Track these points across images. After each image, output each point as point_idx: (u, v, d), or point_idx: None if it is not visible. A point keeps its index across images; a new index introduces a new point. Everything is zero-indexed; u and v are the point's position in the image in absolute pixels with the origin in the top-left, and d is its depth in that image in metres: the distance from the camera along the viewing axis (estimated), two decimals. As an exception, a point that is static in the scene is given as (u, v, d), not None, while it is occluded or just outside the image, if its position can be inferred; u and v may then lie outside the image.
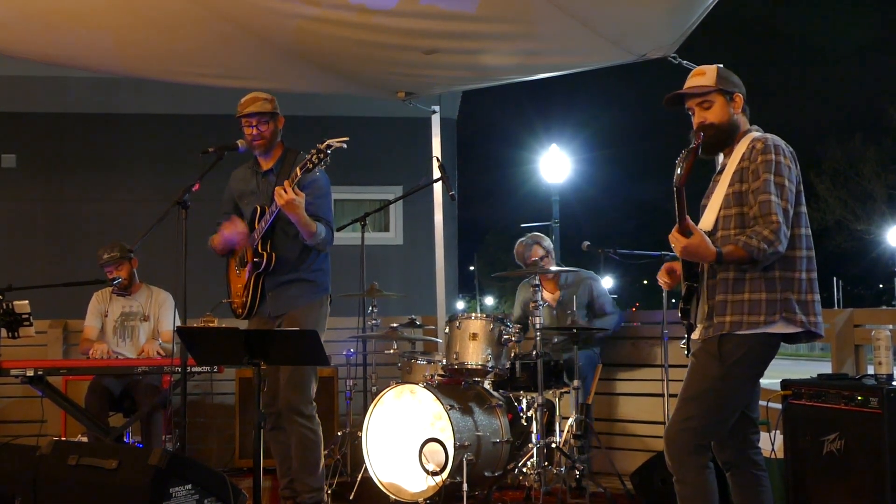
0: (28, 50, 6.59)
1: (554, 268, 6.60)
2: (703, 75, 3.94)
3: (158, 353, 6.38)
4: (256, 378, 4.29)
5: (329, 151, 4.84)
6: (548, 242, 6.93)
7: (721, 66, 3.97)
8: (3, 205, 11.21)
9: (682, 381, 3.91)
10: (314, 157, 4.84)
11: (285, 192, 4.88)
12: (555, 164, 23.80)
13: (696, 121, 3.92)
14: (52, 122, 11.26)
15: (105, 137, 11.32)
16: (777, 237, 3.64)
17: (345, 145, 4.83)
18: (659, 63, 6.00)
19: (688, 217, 3.66)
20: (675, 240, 3.67)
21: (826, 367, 5.84)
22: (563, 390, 6.09)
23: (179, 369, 5.12)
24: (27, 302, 6.00)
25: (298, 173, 4.88)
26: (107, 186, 11.29)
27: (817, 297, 3.81)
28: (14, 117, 11.16)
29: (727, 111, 3.91)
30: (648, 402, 6.89)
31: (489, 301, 51.08)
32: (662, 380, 6.27)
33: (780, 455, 4.77)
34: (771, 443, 4.75)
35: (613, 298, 7.14)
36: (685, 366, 3.96)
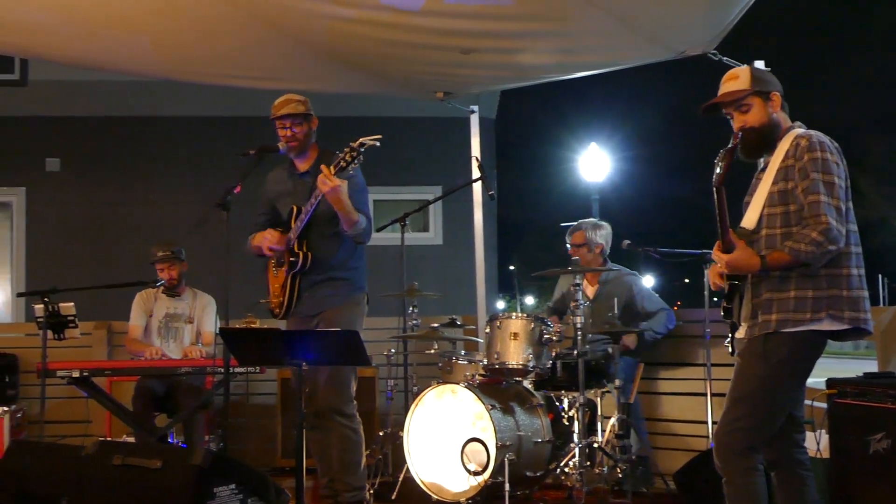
0: (70, 55, 6.68)
1: (595, 264, 6.57)
2: (737, 79, 3.89)
3: (201, 355, 6.43)
4: (297, 378, 4.32)
5: (362, 149, 4.86)
6: (594, 234, 6.75)
7: (755, 65, 3.94)
8: (48, 208, 11.37)
9: (725, 380, 3.89)
10: (347, 154, 4.86)
11: (329, 178, 4.89)
12: (594, 163, 23.67)
13: (735, 125, 3.88)
14: (94, 126, 11.40)
15: (145, 140, 11.44)
16: (827, 237, 3.59)
17: (378, 143, 4.84)
18: (699, 60, 5.95)
19: (730, 231, 3.64)
20: (718, 257, 3.68)
21: (871, 366, 5.76)
22: (604, 389, 6.05)
23: (222, 370, 5.16)
24: (72, 304, 6.08)
25: (332, 171, 4.90)
26: (147, 188, 11.41)
27: (867, 293, 3.77)
28: (57, 121, 11.31)
29: (766, 111, 3.86)
30: (691, 402, 6.82)
31: (529, 300, 50.92)
32: (705, 379, 6.22)
33: (826, 454, 4.72)
34: (816, 442, 4.70)
35: (657, 297, 7.05)
36: (729, 365, 3.93)
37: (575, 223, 6.85)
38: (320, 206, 5.08)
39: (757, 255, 3.66)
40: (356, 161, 4.87)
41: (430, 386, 5.89)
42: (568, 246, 6.66)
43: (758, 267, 3.63)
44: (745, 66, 3.92)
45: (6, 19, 5.84)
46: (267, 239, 5.30)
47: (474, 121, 7.63)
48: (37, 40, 6.28)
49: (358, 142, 4.86)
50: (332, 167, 4.91)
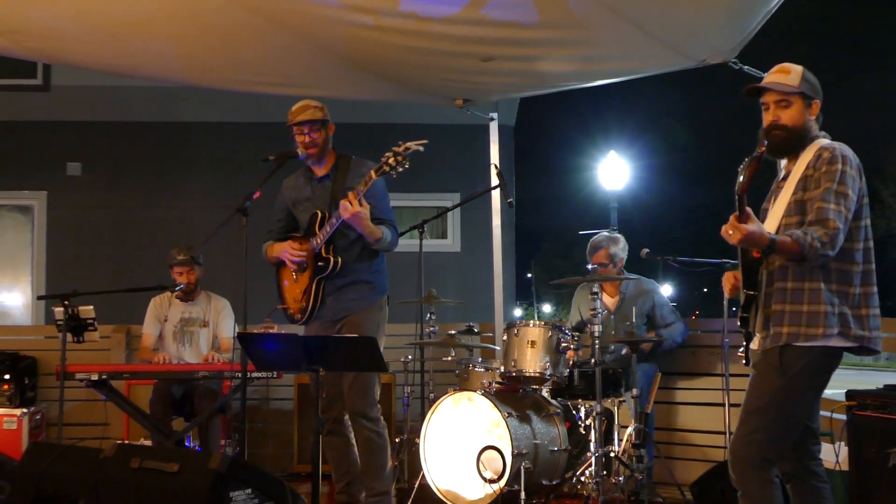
0: (93, 60, 6.72)
1: (613, 274, 6.55)
2: (788, 74, 3.84)
3: (219, 362, 6.44)
4: (315, 384, 4.32)
5: (407, 154, 4.83)
6: (616, 248, 6.74)
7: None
8: (69, 212, 11.41)
9: (743, 390, 3.86)
10: (391, 159, 4.83)
11: (351, 204, 4.91)
12: (613, 171, 23.65)
13: (767, 118, 3.84)
14: (115, 131, 11.44)
15: (166, 145, 11.47)
16: (832, 241, 3.56)
17: (422, 148, 4.80)
18: (719, 68, 5.93)
19: (747, 208, 3.58)
20: (734, 227, 3.55)
21: (892, 378, 5.71)
22: (621, 399, 6.03)
23: (239, 374, 5.17)
24: (92, 307, 6.10)
25: (374, 176, 4.90)
26: (168, 193, 11.44)
27: (874, 311, 3.72)
28: (79, 126, 11.36)
29: (803, 116, 3.82)
30: (708, 412, 6.80)
31: (547, 308, 50.85)
32: (723, 389, 6.18)
33: (845, 467, 4.68)
34: (835, 454, 4.67)
35: (674, 307, 7.05)
36: (746, 375, 3.91)
37: (591, 244, 6.80)
38: None
39: (768, 233, 3.60)
40: (400, 166, 4.84)
41: (446, 393, 5.88)
42: (590, 267, 6.63)
43: (766, 243, 3.56)
44: (800, 66, 3.87)
45: (30, 25, 5.89)
46: (288, 252, 5.30)
47: (493, 128, 7.63)
48: (59, 46, 6.33)
49: (403, 146, 4.82)
50: (372, 172, 4.91)
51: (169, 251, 6.74)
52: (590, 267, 6.45)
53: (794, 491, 3.85)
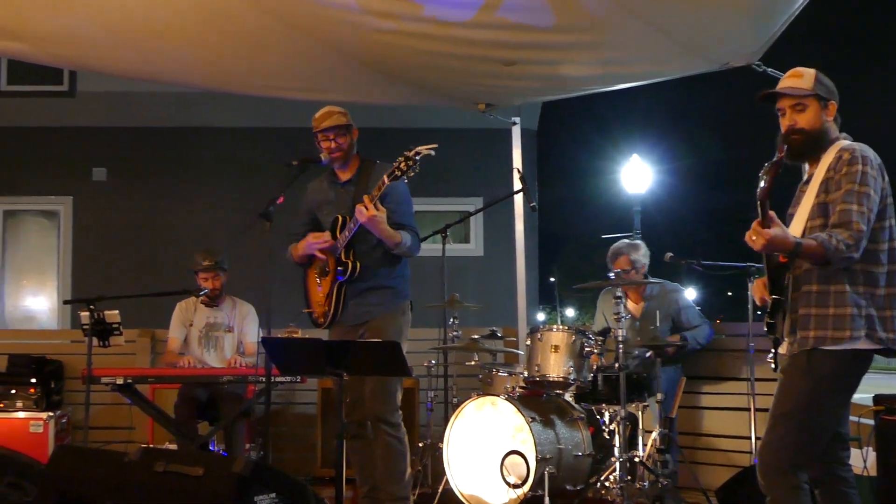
0: (117, 66, 6.77)
1: (636, 280, 6.52)
2: (801, 77, 3.82)
3: (243, 365, 6.45)
4: (338, 388, 4.33)
5: (418, 158, 4.83)
6: (637, 255, 6.71)
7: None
8: (95, 216, 11.51)
9: (769, 395, 3.83)
10: (402, 164, 4.84)
11: (366, 208, 4.91)
12: (636, 175, 23.56)
13: (785, 123, 3.82)
14: (140, 136, 11.54)
15: (190, 150, 11.56)
16: (857, 243, 3.53)
17: (433, 152, 4.81)
18: (742, 71, 5.90)
19: (770, 212, 3.55)
20: (757, 232, 3.51)
21: (920, 382, 5.66)
22: (645, 403, 6.01)
23: (263, 379, 5.18)
24: (117, 312, 6.14)
25: (386, 181, 4.89)
26: (192, 198, 11.52)
27: None
28: (104, 132, 11.46)
29: (820, 118, 3.80)
30: (734, 417, 6.76)
31: (570, 313, 50.72)
32: (748, 394, 6.15)
33: (873, 472, 4.64)
34: (863, 459, 4.62)
35: (699, 309, 7.01)
36: (772, 380, 3.88)
37: (612, 251, 6.78)
38: None
39: (793, 237, 3.57)
40: (412, 170, 4.85)
41: (469, 398, 5.87)
42: (612, 274, 6.60)
43: (791, 247, 3.53)
44: (812, 69, 3.84)
45: (56, 33, 5.94)
46: (312, 244, 5.30)
47: (516, 132, 7.62)
48: (85, 52, 6.38)
49: (413, 150, 4.83)
50: (385, 177, 4.91)
51: (193, 255, 6.76)
52: (612, 275, 6.44)
53: (822, 497, 3.82)
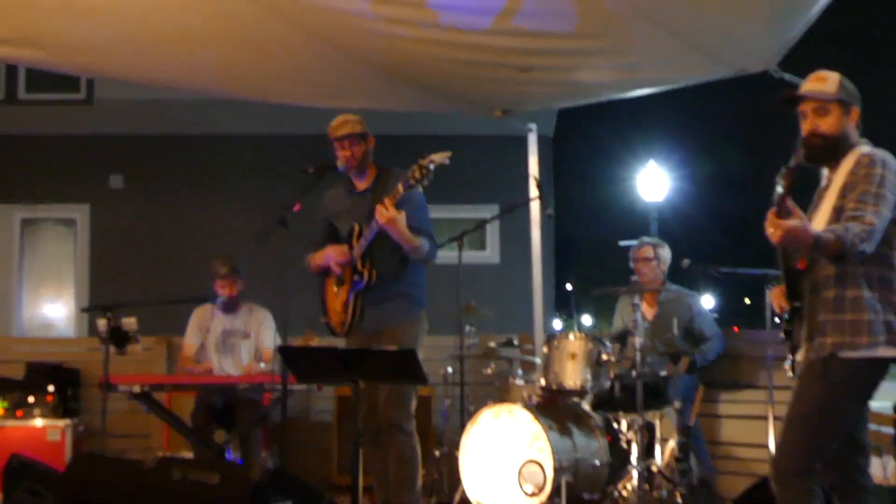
0: (134, 74, 6.81)
1: (655, 284, 6.51)
2: (825, 81, 3.79)
3: (260, 373, 6.45)
4: (354, 396, 4.33)
5: (432, 167, 4.83)
6: (663, 251, 6.78)
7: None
8: (112, 223, 11.54)
9: (786, 403, 3.81)
10: (416, 172, 4.85)
11: (386, 209, 4.92)
12: (653, 181, 23.48)
13: (806, 126, 3.79)
14: (157, 143, 11.57)
15: (207, 157, 11.58)
16: (868, 237, 3.50)
17: (447, 160, 4.81)
18: (759, 76, 5.87)
19: (788, 199, 3.51)
20: (774, 224, 3.47)
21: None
22: (663, 411, 5.98)
23: (280, 386, 5.19)
24: (134, 319, 6.16)
25: (401, 189, 4.90)
26: (208, 205, 11.54)
27: None
28: (121, 139, 11.50)
29: (841, 123, 3.77)
30: (752, 425, 6.71)
31: (586, 320, 50.60)
32: (767, 402, 6.11)
33: (894, 481, 4.61)
34: (883, 468, 4.59)
35: (714, 318, 6.98)
36: (790, 387, 3.86)
37: (636, 241, 6.85)
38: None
39: (812, 229, 3.53)
40: (426, 179, 4.86)
41: (486, 406, 5.86)
42: (632, 263, 6.59)
43: (811, 240, 3.48)
44: (836, 73, 3.82)
45: (74, 40, 5.98)
46: (330, 256, 5.32)
47: (532, 139, 7.61)
48: (103, 60, 6.43)
49: (427, 159, 4.84)
50: (399, 186, 4.91)
51: (209, 262, 6.78)
52: (632, 264, 6.43)
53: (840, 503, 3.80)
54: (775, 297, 3.98)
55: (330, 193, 5.57)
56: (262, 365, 6.61)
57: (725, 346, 6.72)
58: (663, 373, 6.10)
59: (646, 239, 6.92)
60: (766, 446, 6.18)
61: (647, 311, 6.78)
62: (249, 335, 6.82)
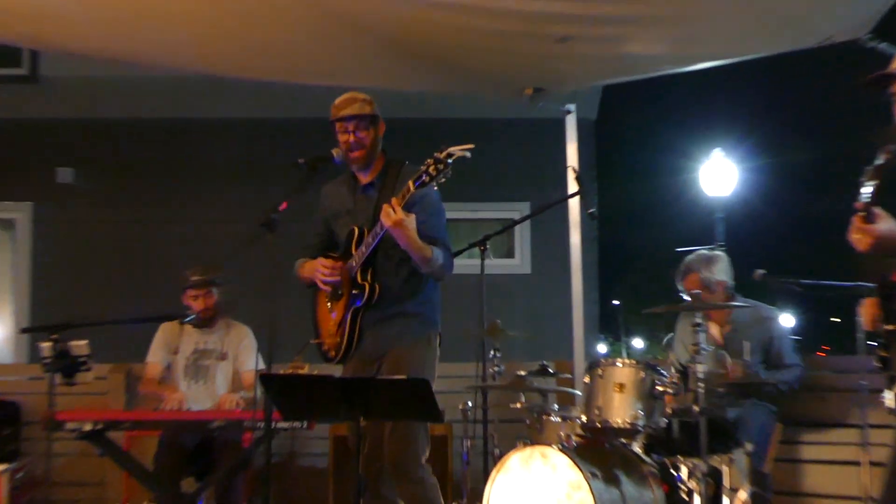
0: (92, 46, 6.83)
1: (719, 302, 6.49)
2: None
3: (238, 406, 6.47)
4: (354, 436, 4.34)
5: (450, 161, 4.80)
6: (711, 272, 6.72)
7: None
8: (59, 227, 11.58)
9: (885, 445, 3.80)
10: (431, 167, 4.81)
11: (393, 211, 4.90)
12: (719, 174, 23.45)
13: None
14: (116, 130, 11.62)
15: (180, 147, 11.64)
16: None
17: (468, 154, 4.79)
18: (848, 47, 5.86)
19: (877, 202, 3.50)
20: (860, 230, 3.47)
21: None
22: (732, 455, 5.96)
23: (263, 425, 5.19)
24: (86, 342, 6.17)
25: (412, 188, 4.87)
26: (181, 204, 11.59)
27: None
28: (72, 124, 11.54)
29: None
30: (841, 472, 6.70)
31: (637, 343, 50.58)
32: (860, 444, 6.10)
33: None
34: None
35: (795, 345, 6.95)
36: (891, 426, 3.84)
37: (681, 267, 6.77)
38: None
39: None
40: (443, 175, 4.81)
41: (515, 448, 5.85)
42: (682, 295, 6.56)
43: None
44: None
45: (13, 3, 5.99)
46: (319, 271, 5.31)
47: (571, 123, 7.62)
48: (50, 28, 6.44)
49: (445, 152, 4.79)
50: (410, 183, 4.88)
51: (180, 274, 6.80)
52: (682, 295, 6.39)
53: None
54: (866, 310, 3.95)
55: (328, 189, 5.57)
56: (242, 394, 6.63)
57: (802, 378, 6.68)
58: (733, 410, 6.08)
59: (688, 260, 6.79)
60: (859, 499, 6.16)
61: (716, 331, 6.77)
62: (226, 356, 6.84)
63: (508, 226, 7.53)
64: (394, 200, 4.93)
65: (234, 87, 8.88)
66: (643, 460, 5.92)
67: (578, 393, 6.56)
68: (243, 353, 6.84)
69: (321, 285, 5.35)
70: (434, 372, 5.32)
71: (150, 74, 9.43)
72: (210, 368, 6.83)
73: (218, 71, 7.35)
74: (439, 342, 5.43)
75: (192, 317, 6.71)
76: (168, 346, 6.92)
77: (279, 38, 6.40)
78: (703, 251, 6.92)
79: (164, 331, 6.96)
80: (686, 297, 6.49)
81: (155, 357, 6.92)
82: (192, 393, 6.75)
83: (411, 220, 4.97)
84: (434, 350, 5.39)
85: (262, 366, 5.57)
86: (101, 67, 8.59)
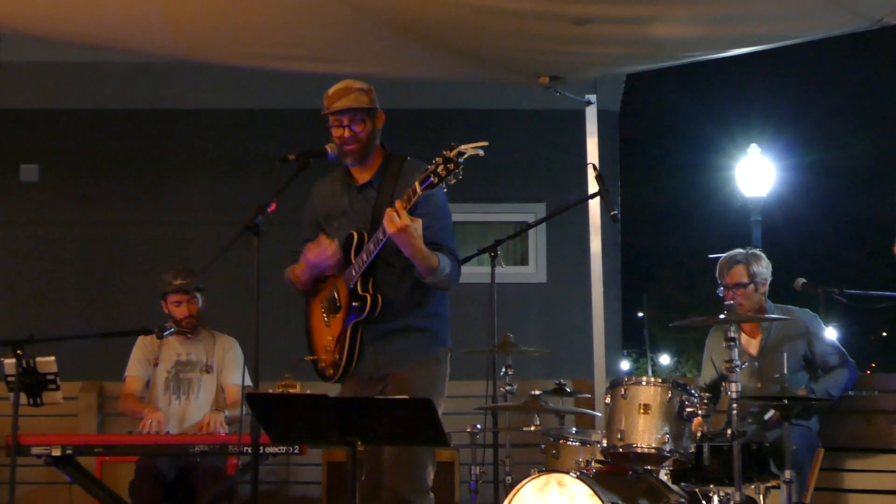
0: (54, 28, 6.83)
1: (752, 312, 6.51)
2: None
3: (222, 429, 6.48)
4: (350, 462, 4.34)
5: (461, 161, 4.78)
6: (759, 267, 6.76)
7: None
8: (23, 229, 11.56)
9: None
10: (440, 167, 4.76)
11: (398, 216, 4.87)
12: (755, 172, 23.44)
13: None
14: (85, 122, 11.61)
15: (156, 141, 11.63)
16: None
17: (481, 152, 4.76)
18: (896, 32, 5.87)
19: None
20: None
21: None
22: (769, 484, 5.97)
23: (249, 449, 5.20)
24: (53, 358, 6.18)
25: (418, 189, 4.81)
26: (156, 204, 11.58)
27: None
28: (37, 116, 11.53)
29: None
30: (890, 502, 6.70)
31: (665, 360, 50.57)
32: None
33: None
34: None
35: (839, 346, 6.94)
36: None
37: (724, 256, 6.79)
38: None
39: None
40: (453, 176, 4.77)
41: (528, 475, 5.86)
42: (721, 288, 6.57)
43: None
44: None
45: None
46: (311, 260, 5.24)
47: (591, 115, 7.63)
48: (10, 7, 6.44)
49: (455, 150, 4.75)
50: (416, 184, 4.83)
51: (157, 280, 6.79)
52: (721, 292, 6.40)
53: None
54: None
55: (320, 188, 5.55)
56: (226, 413, 6.63)
57: (856, 380, 6.67)
58: (771, 433, 6.08)
59: (733, 253, 6.83)
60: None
61: (750, 343, 6.78)
62: (211, 369, 6.83)
63: (522, 229, 7.52)
64: (398, 204, 4.87)
65: (216, 73, 8.89)
66: (670, 489, 5.93)
67: (599, 415, 6.58)
68: (229, 364, 6.85)
69: (310, 265, 5.26)
70: (443, 395, 5.30)
71: (122, 60, 9.44)
72: (193, 382, 6.83)
73: (197, 57, 7.35)
74: (449, 359, 5.44)
75: (171, 331, 6.69)
76: (148, 357, 6.93)
77: (264, 18, 6.39)
78: (747, 248, 6.95)
79: (143, 342, 6.96)
80: (722, 296, 6.50)
81: (134, 370, 6.93)
82: (173, 409, 6.76)
83: (417, 227, 4.92)
84: (443, 370, 5.38)
85: (248, 382, 5.55)
86: (68, 52, 8.59)
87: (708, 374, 6.92)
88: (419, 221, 4.94)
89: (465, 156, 4.70)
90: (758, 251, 6.89)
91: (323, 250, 5.23)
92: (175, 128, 11.64)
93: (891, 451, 6.79)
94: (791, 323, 6.74)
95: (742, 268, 6.69)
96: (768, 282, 6.76)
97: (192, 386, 6.83)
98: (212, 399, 6.82)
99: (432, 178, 4.75)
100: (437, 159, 4.75)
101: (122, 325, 6.67)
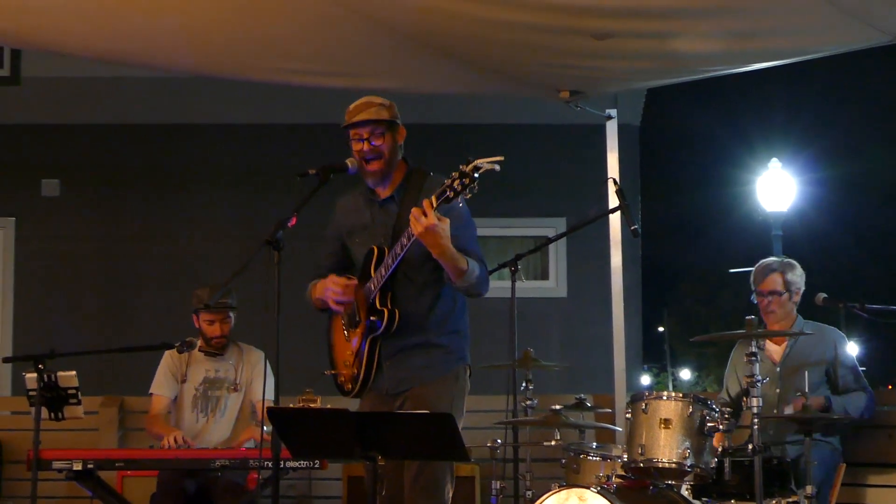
0: (74, 44, 6.86)
1: (786, 324, 6.50)
2: None
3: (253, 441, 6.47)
4: (370, 477, 4.34)
5: (477, 175, 4.77)
6: (794, 276, 6.77)
7: None
8: (45, 244, 11.58)
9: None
10: (456, 182, 4.75)
11: (425, 215, 4.81)
12: (776, 187, 23.40)
13: None
14: (107, 137, 11.63)
15: (174, 156, 11.65)
16: None
17: (497, 166, 4.76)
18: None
19: None
20: None
21: None
22: (790, 499, 5.95)
23: (270, 464, 5.21)
24: (74, 373, 6.18)
25: (435, 203, 4.80)
26: (177, 218, 11.59)
27: None
28: (58, 131, 11.56)
29: None
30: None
31: (685, 375, 50.44)
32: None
33: None
34: None
35: (861, 371, 6.94)
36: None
37: (760, 267, 6.79)
38: (412, 247, 5.02)
39: None
40: (468, 190, 4.75)
41: (549, 490, 5.86)
42: (755, 296, 6.57)
43: None
44: None
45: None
46: (330, 289, 5.28)
47: (611, 129, 7.62)
48: (33, 23, 6.45)
49: (471, 164, 4.74)
50: (433, 197, 4.81)
51: (193, 293, 6.76)
52: (755, 299, 6.39)
53: None
54: None
55: (343, 204, 5.55)
56: (255, 423, 6.62)
57: (874, 410, 6.66)
58: (793, 449, 6.06)
59: (769, 261, 6.84)
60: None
61: (775, 350, 6.75)
62: (239, 387, 6.80)
63: (542, 244, 7.52)
64: (425, 202, 4.82)
65: (236, 88, 8.90)
66: (692, 504, 5.92)
67: (619, 429, 6.56)
68: (258, 380, 6.77)
69: (333, 305, 5.30)
70: (462, 412, 5.28)
71: (142, 75, 9.47)
72: (220, 400, 6.81)
73: (217, 71, 7.36)
74: (469, 375, 5.43)
75: (194, 346, 6.67)
76: (175, 375, 6.89)
77: (285, 33, 6.41)
78: (782, 257, 6.95)
79: (171, 358, 6.91)
80: (756, 302, 6.50)
81: (160, 388, 6.90)
82: (198, 428, 6.76)
83: (445, 226, 4.86)
84: (463, 387, 5.36)
85: (270, 397, 5.55)
86: (90, 68, 8.62)
87: (732, 389, 6.90)
88: (447, 221, 4.87)
89: (482, 170, 4.68)
90: (792, 260, 6.89)
91: (342, 285, 5.24)
92: (195, 142, 11.66)
93: (913, 468, 6.76)
94: (818, 339, 6.72)
95: (778, 276, 6.70)
96: (801, 292, 6.75)
97: (219, 404, 6.80)
98: (234, 417, 6.81)
99: (448, 193, 4.73)
100: (454, 174, 4.73)
101: (143, 339, 6.65)
